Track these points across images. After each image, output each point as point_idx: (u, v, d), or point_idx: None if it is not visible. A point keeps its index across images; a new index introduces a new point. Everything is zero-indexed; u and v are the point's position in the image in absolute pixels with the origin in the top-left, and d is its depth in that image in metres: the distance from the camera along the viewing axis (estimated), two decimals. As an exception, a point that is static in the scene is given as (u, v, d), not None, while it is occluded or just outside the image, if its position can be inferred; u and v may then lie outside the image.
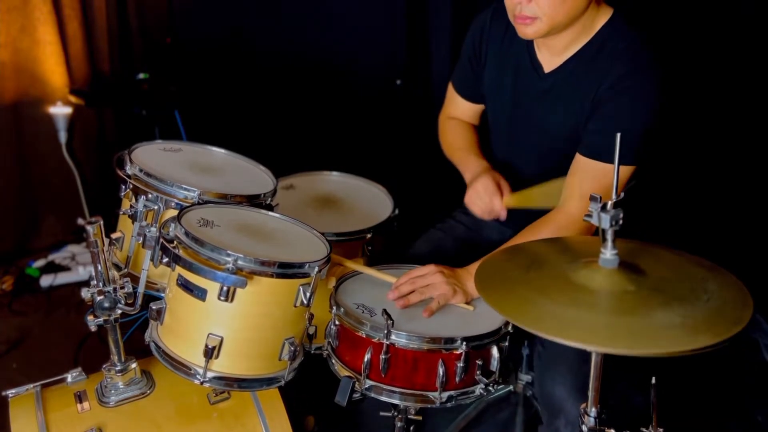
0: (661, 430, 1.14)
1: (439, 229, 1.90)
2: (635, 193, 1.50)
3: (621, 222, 0.99)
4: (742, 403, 2.15)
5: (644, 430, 1.14)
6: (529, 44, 1.58)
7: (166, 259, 1.27)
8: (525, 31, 1.44)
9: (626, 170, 1.47)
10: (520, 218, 1.78)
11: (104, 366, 1.39)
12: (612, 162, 1.32)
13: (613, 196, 1.02)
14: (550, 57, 1.55)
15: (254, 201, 1.49)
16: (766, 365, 2.16)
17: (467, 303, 1.47)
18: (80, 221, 3.15)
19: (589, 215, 1.01)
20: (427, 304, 1.43)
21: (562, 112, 1.54)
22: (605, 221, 0.99)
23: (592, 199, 1.01)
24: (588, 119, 1.49)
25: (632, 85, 1.43)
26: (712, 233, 2.35)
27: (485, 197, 1.55)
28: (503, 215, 1.54)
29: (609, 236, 1.01)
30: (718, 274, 1.05)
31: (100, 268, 1.28)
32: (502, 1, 1.64)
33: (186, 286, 1.27)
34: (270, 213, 1.49)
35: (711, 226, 2.37)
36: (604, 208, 0.99)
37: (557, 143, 1.57)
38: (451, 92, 1.87)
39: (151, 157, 1.52)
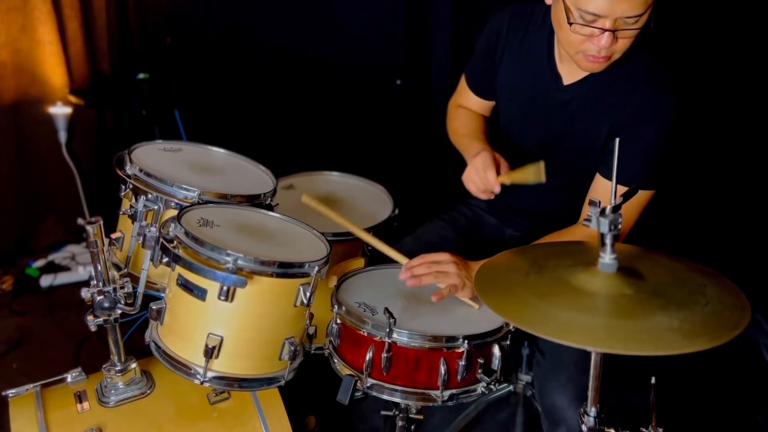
0: (660, 430, 1.14)
1: (442, 219, 1.90)
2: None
3: (620, 227, 0.99)
4: (742, 403, 2.15)
5: (644, 430, 1.14)
6: (550, 54, 1.57)
7: (166, 259, 1.27)
8: (596, 68, 1.42)
9: (646, 195, 1.48)
10: (519, 216, 1.79)
11: (104, 366, 1.39)
12: (626, 184, 1.34)
13: (612, 200, 1.02)
14: (572, 70, 1.53)
15: (254, 201, 1.49)
16: (766, 365, 2.16)
17: (473, 298, 1.47)
18: (80, 221, 3.15)
19: (589, 219, 1.01)
20: (434, 290, 1.43)
21: (578, 125, 1.54)
22: (604, 225, 0.99)
23: (591, 203, 1.01)
24: (606, 140, 1.50)
25: (653, 113, 1.43)
26: (712, 234, 2.36)
27: (481, 171, 1.52)
28: (497, 189, 1.50)
29: (608, 240, 1.01)
30: (716, 279, 1.05)
31: (100, 268, 1.29)
32: (520, 6, 1.60)
33: (186, 286, 1.27)
34: (270, 213, 1.49)
35: (711, 227, 2.37)
36: (603, 212, 0.99)
37: (569, 153, 1.58)
38: (463, 84, 1.86)
39: (151, 157, 1.53)
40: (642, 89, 1.45)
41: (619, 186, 1.48)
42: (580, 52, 1.39)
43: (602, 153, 1.52)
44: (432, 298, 1.42)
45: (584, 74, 1.52)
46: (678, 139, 1.47)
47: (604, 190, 1.50)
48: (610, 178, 1.49)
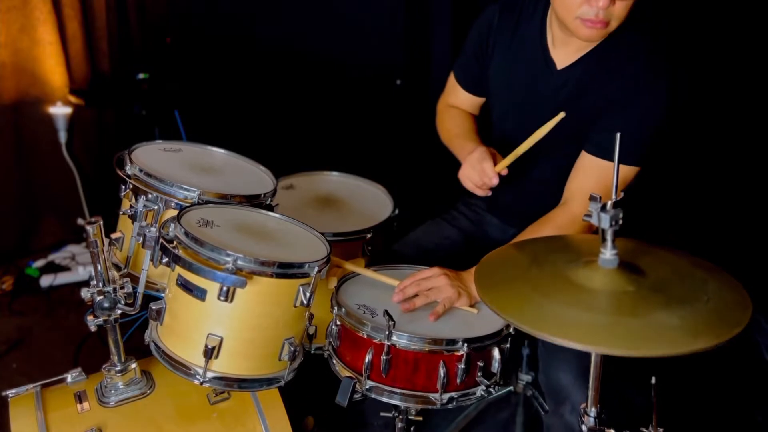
0: (661, 430, 1.14)
1: (442, 218, 1.89)
2: (636, 192, 1.50)
3: (621, 222, 0.99)
4: (742, 403, 2.15)
5: (644, 430, 1.14)
6: (542, 40, 1.56)
7: (165, 259, 1.27)
8: (593, 34, 1.39)
9: (631, 171, 1.46)
10: (520, 215, 1.78)
11: (104, 366, 1.39)
12: (608, 157, 1.33)
13: (613, 196, 1.02)
14: (565, 54, 1.53)
15: (254, 201, 1.49)
16: (766, 365, 2.16)
17: (471, 306, 1.47)
18: (80, 221, 3.15)
19: (589, 215, 1.01)
20: (432, 308, 1.42)
21: (572, 109, 1.53)
22: (605, 221, 0.98)
23: (592, 199, 1.01)
24: (598, 117, 1.49)
25: (647, 88, 1.43)
26: (713, 233, 2.35)
27: (477, 165, 1.51)
28: (495, 181, 1.49)
29: (609, 236, 1.00)
30: (718, 275, 1.05)
31: (99, 268, 1.28)
32: None
33: (186, 286, 1.27)
34: (270, 213, 1.49)
35: (712, 226, 2.37)
36: (603, 208, 0.98)
37: (564, 139, 1.57)
38: (452, 82, 1.85)
39: (151, 157, 1.52)
40: (638, 64, 1.44)
41: (593, 158, 1.47)
42: (577, 17, 1.38)
43: (591, 130, 1.50)
44: (429, 318, 1.41)
45: (577, 56, 1.51)
46: (672, 124, 1.46)
47: (590, 168, 1.49)
48: (597, 155, 1.48)
